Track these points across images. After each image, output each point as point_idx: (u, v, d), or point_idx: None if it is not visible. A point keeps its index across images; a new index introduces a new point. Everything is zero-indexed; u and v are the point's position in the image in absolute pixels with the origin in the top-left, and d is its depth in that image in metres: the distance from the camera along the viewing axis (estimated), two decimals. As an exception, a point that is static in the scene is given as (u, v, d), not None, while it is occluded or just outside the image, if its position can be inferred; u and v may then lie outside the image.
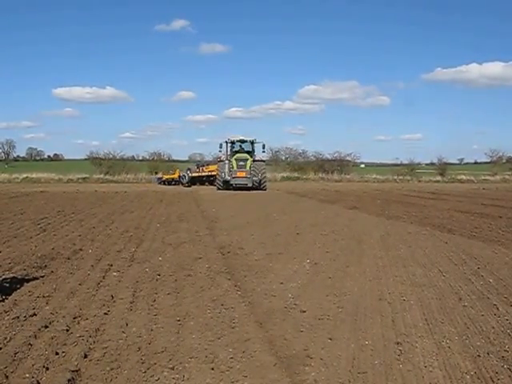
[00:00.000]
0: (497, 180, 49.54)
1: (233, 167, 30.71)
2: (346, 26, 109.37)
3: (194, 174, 35.93)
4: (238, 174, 30.48)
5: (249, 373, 4.07)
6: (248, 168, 30.73)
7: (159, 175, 38.99)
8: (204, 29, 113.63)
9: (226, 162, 31.06)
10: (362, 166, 53.77)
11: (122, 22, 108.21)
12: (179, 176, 35.67)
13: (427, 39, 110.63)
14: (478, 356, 4.39)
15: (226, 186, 30.62)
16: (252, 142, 32.81)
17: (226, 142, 32.38)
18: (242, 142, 32.97)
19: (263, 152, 33.71)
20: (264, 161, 33.39)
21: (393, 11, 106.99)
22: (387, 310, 5.76)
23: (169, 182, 35.80)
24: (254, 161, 31.42)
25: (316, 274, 7.60)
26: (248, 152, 32.27)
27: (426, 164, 64.05)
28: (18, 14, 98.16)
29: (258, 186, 30.71)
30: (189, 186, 34.22)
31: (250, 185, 30.28)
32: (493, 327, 5.11)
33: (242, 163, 30.88)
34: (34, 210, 17.35)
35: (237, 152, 32.17)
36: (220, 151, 32.61)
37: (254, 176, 30.59)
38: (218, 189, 30.96)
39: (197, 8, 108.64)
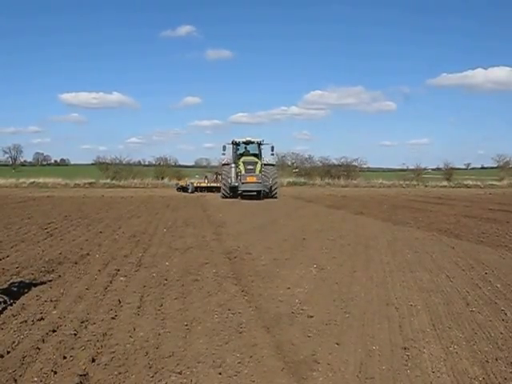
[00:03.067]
0: (504, 185, 49.28)
1: (240, 171, 27.06)
2: (351, 31, 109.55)
3: (201, 184, 34.35)
4: (248, 180, 26.64)
5: (256, 377, 4.07)
6: (258, 172, 27.13)
7: (177, 182, 38.73)
8: (210, 34, 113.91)
9: (233, 165, 27.59)
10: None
11: (128, 27, 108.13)
12: (186, 184, 35.00)
13: (432, 44, 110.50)
14: (487, 362, 4.37)
15: (233, 192, 27.30)
16: (259, 144, 29.24)
17: (232, 144, 29.22)
18: (248, 143, 29.38)
19: (272, 155, 30.18)
20: (274, 165, 29.78)
21: (398, 16, 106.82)
22: (394, 315, 5.74)
23: (184, 189, 35.27)
24: (263, 164, 27.94)
25: (323, 279, 7.59)
26: (255, 155, 28.95)
27: (433, 169, 63.85)
28: (23, 19, 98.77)
29: (269, 193, 27.38)
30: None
31: (261, 191, 26.77)
32: (501, 333, 5.09)
33: (250, 167, 27.21)
34: (40, 214, 17.42)
35: (242, 155, 28.90)
36: (223, 154, 28.98)
37: (265, 181, 27.07)
38: (224, 196, 27.61)
39: (202, 14, 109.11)
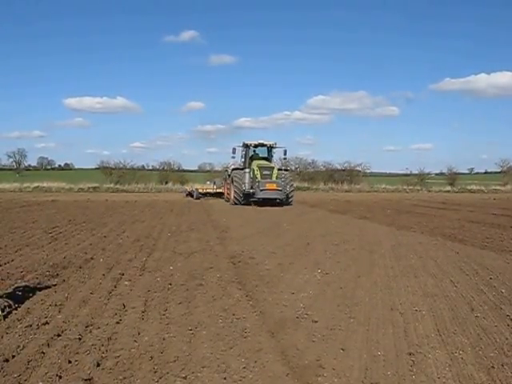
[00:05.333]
0: (507, 190, 49.17)
1: (256, 177, 24.82)
2: (355, 36, 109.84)
3: (207, 190, 33.16)
4: (268, 186, 24.22)
5: (261, 382, 4.07)
6: (275, 178, 24.90)
7: (186, 188, 37.98)
8: (213, 40, 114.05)
9: (247, 170, 25.60)
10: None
11: (131, 32, 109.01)
12: (191, 190, 34.06)
13: (435, 49, 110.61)
14: (492, 367, 4.35)
15: (246, 199, 25.11)
16: (271, 147, 27.19)
17: (243, 146, 27.08)
18: (259, 146, 27.25)
19: (284, 159, 28.53)
20: (288, 170, 27.97)
21: (401, 21, 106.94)
22: (399, 321, 5.73)
23: (191, 195, 34.63)
24: (279, 170, 25.97)
25: (327, 284, 7.58)
26: (266, 159, 26.92)
27: (436, 174, 63.67)
28: (28, 24, 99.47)
29: (285, 201, 25.34)
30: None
31: (280, 199, 24.84)
32: (506, 338, 5.07)
33: (267, 172, 24.96)
34: (45, 218, 17.45)
35: (253, 158, 26.63)
36: (233, 157, 26.75)
37: (283, 188, 24.92)
38: (236, 203, 25.35)
39: (206, 19, 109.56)
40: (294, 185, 28.78)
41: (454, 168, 57.61)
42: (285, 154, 27.46)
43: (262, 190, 24.23)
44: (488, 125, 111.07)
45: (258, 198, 24.56)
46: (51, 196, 33.56)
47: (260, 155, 27.31)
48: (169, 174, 52.31)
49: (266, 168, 25.25)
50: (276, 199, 24.70)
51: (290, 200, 25.65)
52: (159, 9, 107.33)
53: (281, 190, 24.56)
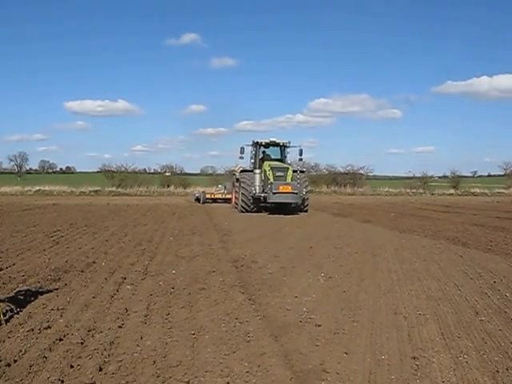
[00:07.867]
0: (511, 193, 49.06)
1: (268, 179, 22.02)
2: (356, 39, 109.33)
3: (216, 195, 31.91)
4: (281, 189, 21.33)
5: (264, 387, 4.04)
6: (290, 180, 22.08)
7: (194, 192, 37.08)
8: (214, 43, 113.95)
9: (257, 171, 22.75)
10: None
11: (133, 35, 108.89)
12: (199, 195, 32.60)
13: (437, 52, 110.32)
14: (497, 372, 4.32)
15: (256, 205, 22.63)
16: (284, 147, 24.69)
17: (253, 146, 24.59)
18: (270, 145, 24.76)
19: (300, 160, 25.66)
20: (304, 171, 24.81)
21: (402, 24, 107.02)
22: (403, 324, 5.70)
23: (199, 199, 33.05)
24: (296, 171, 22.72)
25: (330, 287, 7.55)
26: (279, 160, 24.33)
27: (439, 177, 63.54)
28: (29, 26, 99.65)
29: (301, 206, 22.71)
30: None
31: (295, 204, 22.17)
32: (511, 342, 5.03)
33: (280, 174, 22.22)
34: (46, 222, 17.46)
35: (263, 160, 24.16)
36: (241, 158, 24.15)
37: (300, 192, 22.01)
38: (244, 210, 22.80)
39: (207, 22, 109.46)
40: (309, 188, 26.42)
41: (457, 171, 57.57)
42: (300, 153, 24.61)
43: (274, 194, 21.40)
44: (491, 127, 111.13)
45: (271, 203, 22.22)
46: (53, 199, 33.58)
47: (272, 156, 24.97)
48: (170, 177, 52.33)
49: (279, 169, 22.61)
50: (291, 204, 22.10)
51: (305, 206, 23.04)
52: (160, 12, 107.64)
53: (296, 194, 21.65)
